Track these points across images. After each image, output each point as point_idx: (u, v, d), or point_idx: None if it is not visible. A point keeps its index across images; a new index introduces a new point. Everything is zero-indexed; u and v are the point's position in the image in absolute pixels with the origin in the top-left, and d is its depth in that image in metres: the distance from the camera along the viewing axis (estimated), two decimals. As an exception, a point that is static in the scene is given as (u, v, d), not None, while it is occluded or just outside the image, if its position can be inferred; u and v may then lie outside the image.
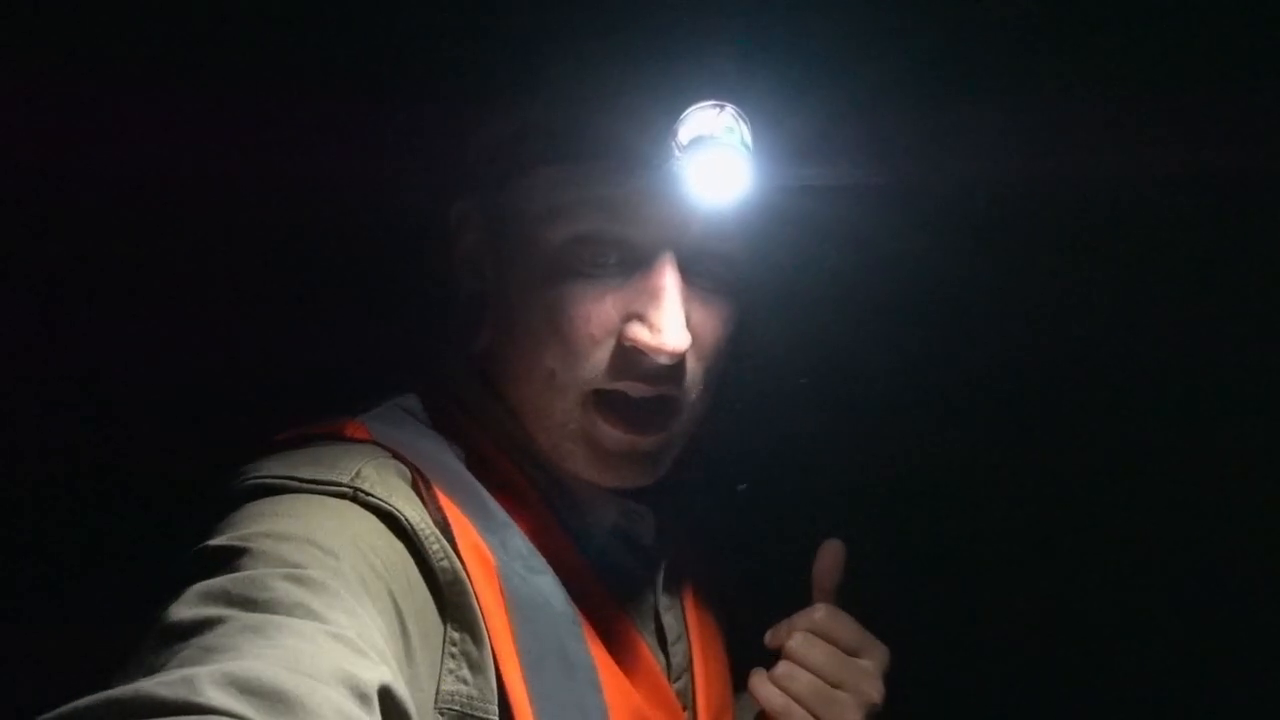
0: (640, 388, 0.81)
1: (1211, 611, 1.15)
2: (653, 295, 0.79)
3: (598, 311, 0.80)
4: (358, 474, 0.73)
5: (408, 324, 0.92)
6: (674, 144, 0.77)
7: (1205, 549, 1.15)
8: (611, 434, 0.81)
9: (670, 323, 0.78)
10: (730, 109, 0.78)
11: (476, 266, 0.86)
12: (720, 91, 0.78)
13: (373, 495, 0.72)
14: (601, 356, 0.80)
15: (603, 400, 0.81)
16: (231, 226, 0.95)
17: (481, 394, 0.87)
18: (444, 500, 0.77)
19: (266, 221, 0.95)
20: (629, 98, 0.79)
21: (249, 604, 0.59)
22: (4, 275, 0.90)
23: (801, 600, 1.03)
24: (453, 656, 0.72)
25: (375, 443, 0.79)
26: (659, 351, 0.79)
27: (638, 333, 0.79)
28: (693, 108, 0.77)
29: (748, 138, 0.79)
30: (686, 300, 0.80)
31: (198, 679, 0.51)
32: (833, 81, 0.88)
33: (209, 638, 0.56)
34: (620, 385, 0.81)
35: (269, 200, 0.93)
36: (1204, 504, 1.14)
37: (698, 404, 0.85)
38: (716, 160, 0.77)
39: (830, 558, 0.91)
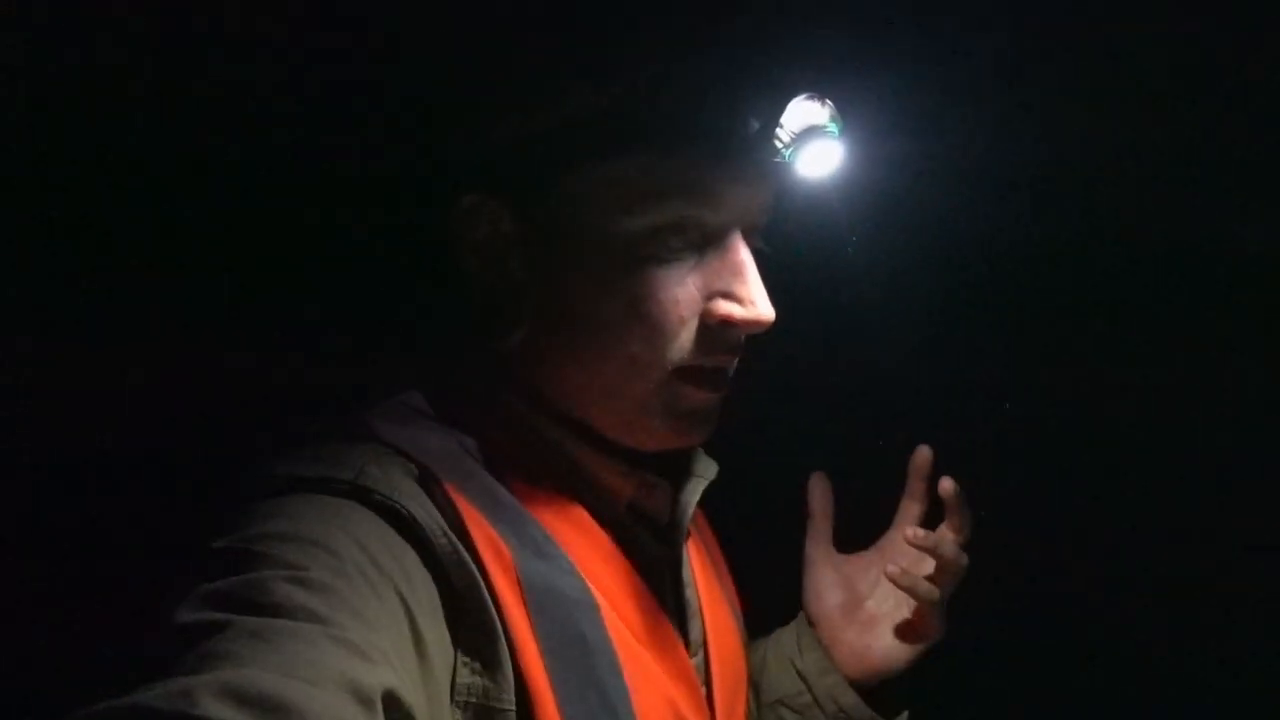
0: (721, 359, 0.83)
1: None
2: (736, 271, 0.81)
3: (684, 294, 0.80)
4: (361, 471, 0.73)
5: (412, 321, 0.91)
6: (780, 135, 0.80)
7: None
8: (697, 396, 0.83)
9: (760, 296, 0.81)
10: (828, 101, 0.81)
11: (495, 261, 0.83)
12: (819, 81, 0.80)
13: (377, 492, 0.72)
14: (687, 336, 0.81)
15: (684, 374, 0.82)
16: (229, 216, 0.94)
17: (497, 386, 0.85)
18: (454, 494, 0.76)
19: (271, 214, 0.94)
20: (727, 86, 0.78)
21: (251, 608, 0.59)
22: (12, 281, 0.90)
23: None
24: (465, 650, 0.72)
25: (380, 440, 0.78)
26: (755, 325, 0.81)
27: (729, 309, 0.81)
28: (796, 99, 0.80)
29: (842, 122, 0.82)
30: None
31: (195, 690, 0.50)
32: (929, 68, 0.92)
33: (210, 643, 0.56)
34: (703, 360, 0.82)
35: (279, 192, 0.93)
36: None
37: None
38: (823, 150, 0.82)
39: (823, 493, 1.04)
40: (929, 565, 1.01)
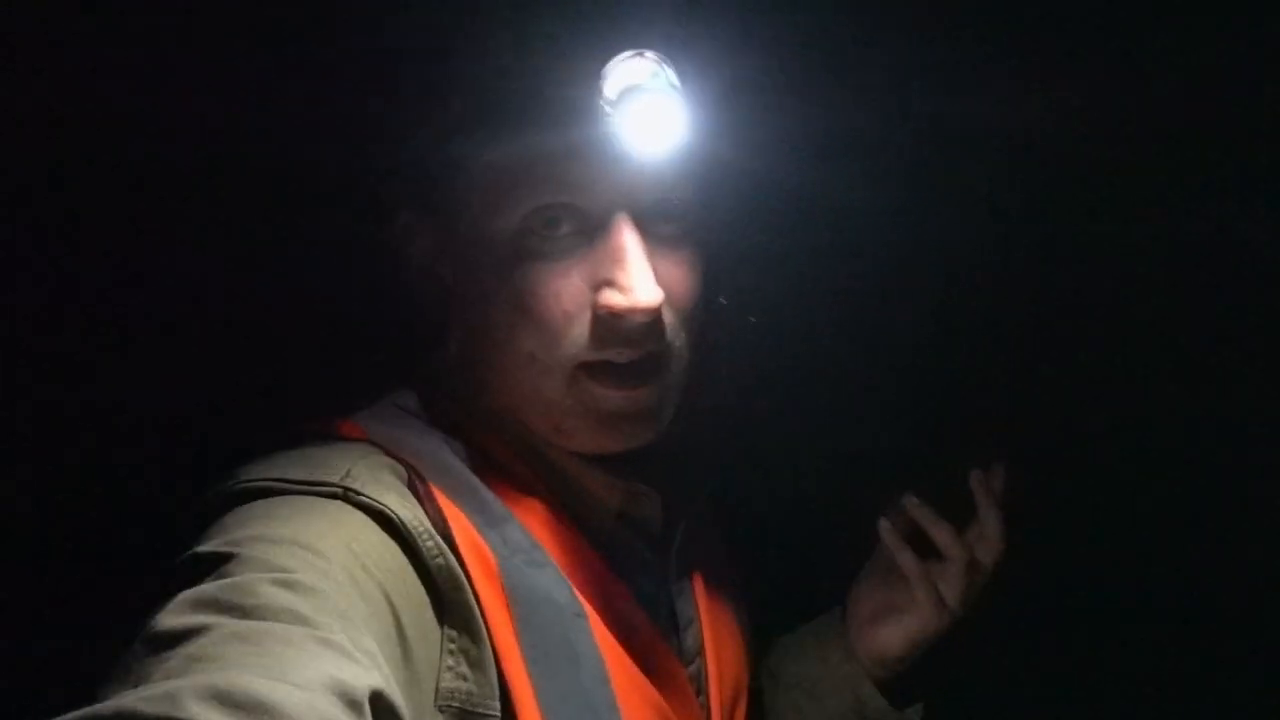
0: (624, 353, 0.80)
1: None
2: (616, 257, 0.78)
3: (566, 287, 0.79)
4: (348, 473, 0.72)
5: (400, 326, 0.91)
6: (602, 101, 0.76)
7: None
8: (607, 395, 0.81)
9: (640, 280, 0.78)
10: (650, 54, 0.76)
11: (432, 274, 0.86)
12: (638, 40, 0.76)
13: (363, 494, 0.71)
14: (580, 331, 0.80)
15: (590, 369, 0.81)
16: (221, 217, 0.94)
17: (473, 391, 0.86)
18: (441, 497, 0.76)
19: (253, 214, 0.94)
20: (545, 67, 0.77)
21: (237, 611, 0.58)
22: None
23: (813, 572, 1.06)
24: (451, 654, 0.72)
25: (370, 441, 0.78)
26: (634, 311, 0.78)
27: (610, 298, 0.78)
28: (612, 61, 0.76)
29: (675, 80, 0.77)
30: (650, 255, 0.79)
31: (180, 693, 0.50)
32: (761, 20, 0.86)
33: (196, 646, 0.55)
34: (604, 354, 0.80)
35: (253, 191, 0.93)
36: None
37: (684, 354, 0.84)
38: (649, 108, 0.76)
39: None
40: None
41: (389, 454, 0.77)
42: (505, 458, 0.84)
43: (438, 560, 0.72)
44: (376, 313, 0.92)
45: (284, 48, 0.88)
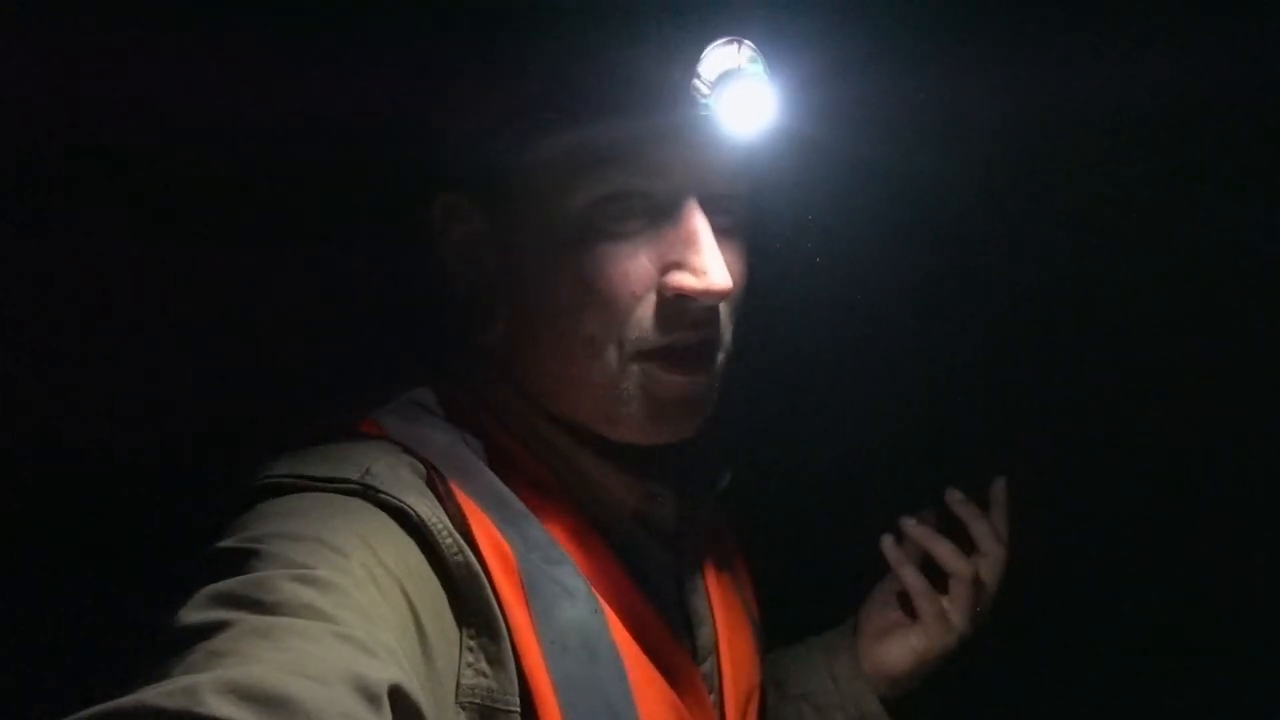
0: (687, 336, 0.81)
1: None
2: (689, 241, 0.79)
3: (635, 268, 0.79)
4: (368, 471, 0.73)
5: (418, 320, 0.91)
6: (698, 85, 0.77)
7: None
8: (668, 380, 0.81)
9: (714, 265, 0.78)
10: (746, 42, 0.77)
11: (473, 257, 0.85)
12: (734, 26, 0.77)
13: (383, 491, 0.72)
14: (644, 313, 0.80)
15: (650, 355, 0.81)
16: (228, 217, 0.95)
17: (496, 385, 0.86)
18: (460, 494, 0.77)
19: (266, 210, 0.94)
20: (641, 47, 0.78)
21: (257, 606, 0.59)
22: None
23: (828, 573, 1.06)
24: (470, 650, 0.72)
25: (388, 438, 0.79)
26: (707, 294, 0.79)
27: (682, 280, 0.79)
28: (710, 46, 0.77)
29: (767, 66, 0.78)
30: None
31: (199, 688, 0.50)
32: (851, 9, 0.87)
33: (215, 642, 0.56)
34: (668, 340, 0.80)
35: (270, 188, 0.93)
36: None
37: (728, 347, 0.85)
38: (746, 95, 0.77)
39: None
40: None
41: (408, 451, 0.77)
42: (523, 456, 0.84)
43: (457, 558, 0.72)
44: (396, 308, 0.92)
45: (344, 26, 0.88)
